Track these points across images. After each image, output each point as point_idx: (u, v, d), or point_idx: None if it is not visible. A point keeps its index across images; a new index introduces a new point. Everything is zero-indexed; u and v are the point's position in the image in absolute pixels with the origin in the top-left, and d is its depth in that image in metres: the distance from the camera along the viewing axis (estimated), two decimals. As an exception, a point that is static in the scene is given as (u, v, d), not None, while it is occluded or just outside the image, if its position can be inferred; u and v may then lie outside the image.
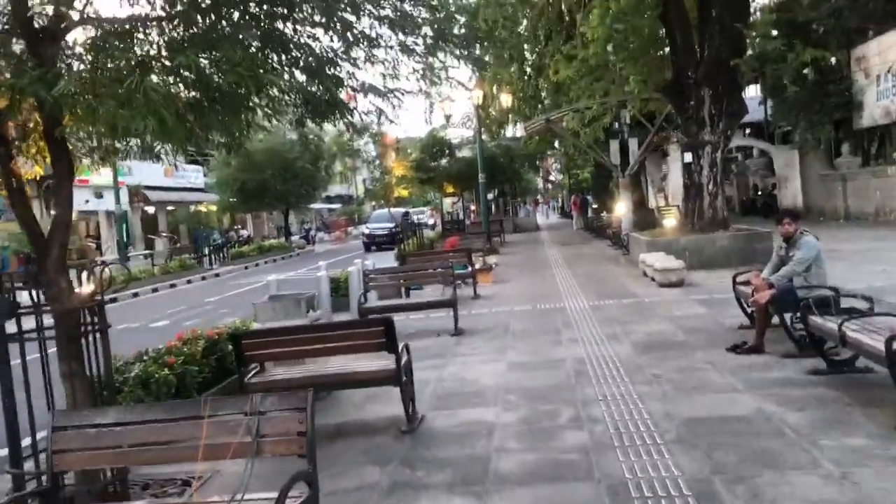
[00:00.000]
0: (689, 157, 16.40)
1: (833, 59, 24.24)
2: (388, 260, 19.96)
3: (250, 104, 4.70)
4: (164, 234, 39.38)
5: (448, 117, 30.26)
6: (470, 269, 14.54)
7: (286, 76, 4.83)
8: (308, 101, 5.00)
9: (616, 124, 25.57)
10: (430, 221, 48.33)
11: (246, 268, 30.27)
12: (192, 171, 44.28)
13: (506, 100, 27.20)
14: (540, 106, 30.91)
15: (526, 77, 31.35)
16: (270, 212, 44.90)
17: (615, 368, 7.19)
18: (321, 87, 4.99)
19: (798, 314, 6.65)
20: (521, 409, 6.11)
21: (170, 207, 41.51)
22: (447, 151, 40.64)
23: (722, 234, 15.34)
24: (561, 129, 25.12)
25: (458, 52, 5.46)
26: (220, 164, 37.13)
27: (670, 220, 18.82)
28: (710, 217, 15.89)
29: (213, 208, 42.95)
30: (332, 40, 4.68)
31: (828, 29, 24.14)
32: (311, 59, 4.65)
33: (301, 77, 5.00)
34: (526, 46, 29.39)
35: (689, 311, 10.14)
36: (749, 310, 8.29)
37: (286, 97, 5.01)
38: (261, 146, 35.81)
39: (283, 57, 4.53)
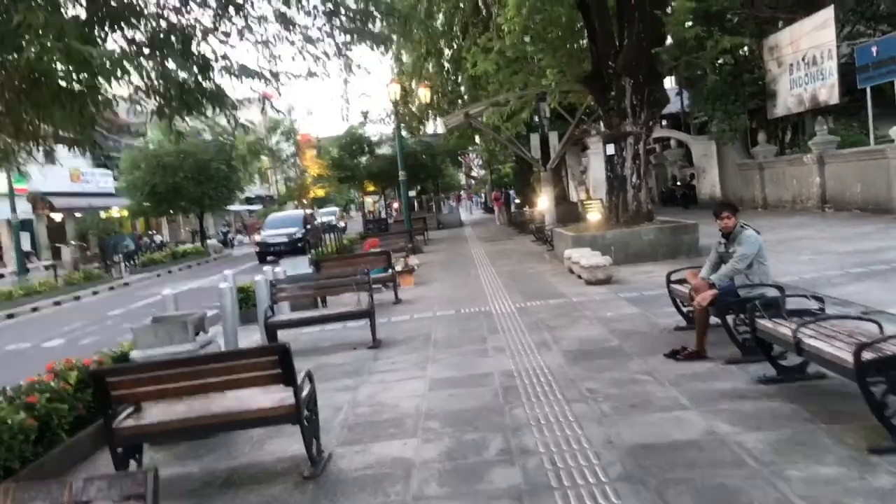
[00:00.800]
0: (611, 149, 15.92)
1: (746, 49, 24.40)
2: (302, 266, 18.87)
3: (95, 92, 3.75)
4: (73, 243, 37.17)
5: (365, 113, 29.28)
6: (390, 272, 13.78)
7: (140, 58, 3.88)
8: (171, 88, 4.06)
9: (536, 118, 25.11)
10: (341, 224, 42.55)
11: (158, 275, 28.70)
12: (101, 175, 42.06)
13: (424, 94, 26.41)
14: (459, 101, 30.29)
15: (444, 71, 30.69)
16: (186, 215, 42.81)
17: (546, 383, 6.50)
18: (196, 73, 4.08)
19: (742, 316, 6.10)
20: (443, 440, 5.32)
21: (78, 214, 39.29)
22: (366, 149, 39.71)
23: (647, 227, 14.94)
24: (481, 124, 24.55)
25: (353, 26, 4.61)
26: (129, 167, 35.32)
27: (594, 214, 18.41)
28: (634, 210, 15.49)
29: (125, 213, 40.81)
30: (188, 10, 3.76)
31: (741, 19, 24.29)
32: (166, 34, 3.71)
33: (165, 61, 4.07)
34: (443, 40, 28.71)
35: (620, 312, 9.57)
36: (686, 310, 7.75)
37: (147, 84, 4.07)
38: (171, 147, 34.14)
39: (127, 32, 3.59)
